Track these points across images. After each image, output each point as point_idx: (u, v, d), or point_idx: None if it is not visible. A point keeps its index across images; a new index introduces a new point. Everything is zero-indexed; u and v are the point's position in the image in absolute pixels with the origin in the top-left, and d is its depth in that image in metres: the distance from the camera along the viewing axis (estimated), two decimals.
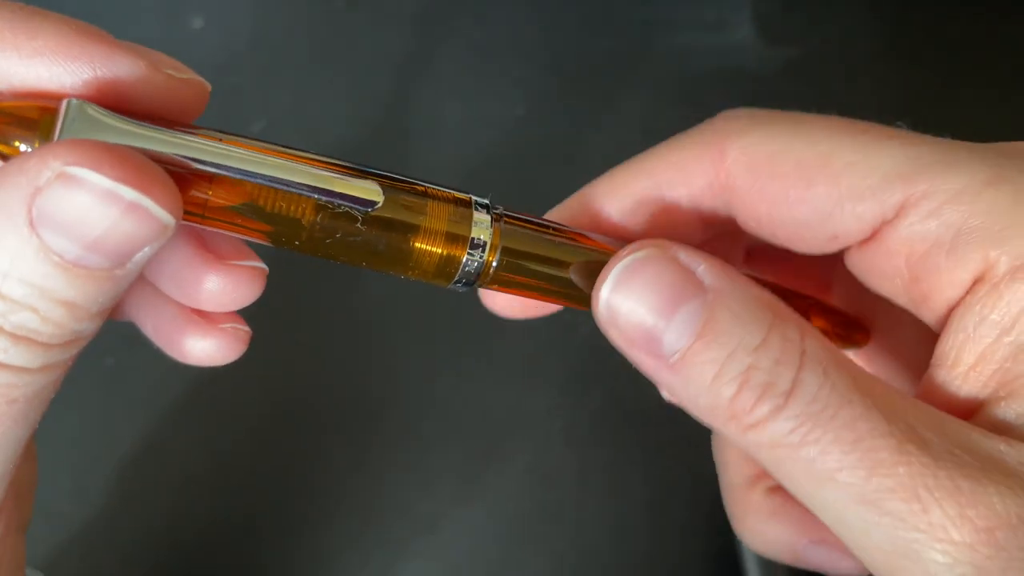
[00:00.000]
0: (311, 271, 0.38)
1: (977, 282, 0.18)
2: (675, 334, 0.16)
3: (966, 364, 0.17)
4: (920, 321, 0.21)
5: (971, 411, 0.17)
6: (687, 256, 0.17)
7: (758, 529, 0.23)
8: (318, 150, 0.17)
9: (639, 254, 0.17)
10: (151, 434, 0.39)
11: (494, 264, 0.17)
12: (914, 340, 0.23)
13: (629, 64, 0.45)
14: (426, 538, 0.37)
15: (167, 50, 0.16)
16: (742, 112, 0.20)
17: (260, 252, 0.19)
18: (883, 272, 0.19)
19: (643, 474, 0.38)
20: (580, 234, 0.19)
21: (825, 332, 0.22)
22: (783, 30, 0.45)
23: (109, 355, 0.40)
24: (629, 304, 0.17)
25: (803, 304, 0.23)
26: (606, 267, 0.18)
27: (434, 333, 0.40)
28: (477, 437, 0.39)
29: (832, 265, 0.24)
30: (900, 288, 0.19)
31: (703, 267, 0.17)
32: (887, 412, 0.15)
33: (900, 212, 0.18)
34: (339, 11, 0.47)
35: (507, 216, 0.18)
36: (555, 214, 0.22)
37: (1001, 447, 0.16)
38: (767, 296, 0.17)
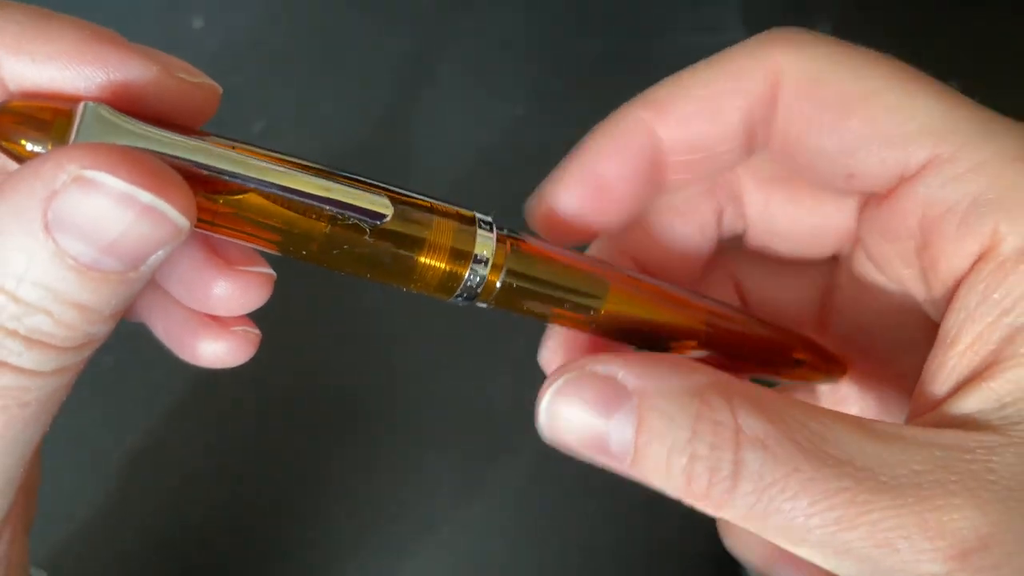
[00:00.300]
0: (310, 271, 0.38)
1: (982, 257, 0.17)
2: (617, 441, 0.17)
3: (964, 344, 0.17)
4: (917, 342, 0.20)
5: (964, 394, 0.17)
6: (605, 365, 0.17)
7: (739, 535, 0.23)
8: (319, 150, 0.17)
9: (557, 383, 0.18)
10: (151, 433, 0.39)
11: (498, 283, 0.18)
12: (913, 362, 0.22)
13: (629, 64, 0.45)
14: (426, 538, 0.37)
15: (167, 50, 0.16)
16: (801, 30, 0.20)
17: (266, 256, 0.19)
18: (896, 233, 0.19)
19: None
20: (591, 262, 0.20)
21: (807, 364, 0.23)
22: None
23: (109, 354, 0.40)
24: (567, 428, 0.17)
25: (785, 338, 0.23)
26: (540, 396, 0.18)
27: (434, 332, 0.40)
28: (477, 437, 0.39)
29: (828, 277, 0.24)
30: (911, 252, 0.19)
31: (622, 373, 0.17)
32: (836, 462, 0.15)
33: (922, 170, 0.18)
34: (339, 11, 0.47)
35: (514, 238, 0.18)
36: (614, 123, 0.22)
37: (966, 455, 0.15)
38: (693, 380, 0.17)
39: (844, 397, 0.25)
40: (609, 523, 0.37)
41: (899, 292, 0.21)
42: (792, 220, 0.23)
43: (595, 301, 0.19)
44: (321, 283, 0.36)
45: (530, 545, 0.37)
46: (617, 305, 0.19)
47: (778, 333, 0.23)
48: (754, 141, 0.20)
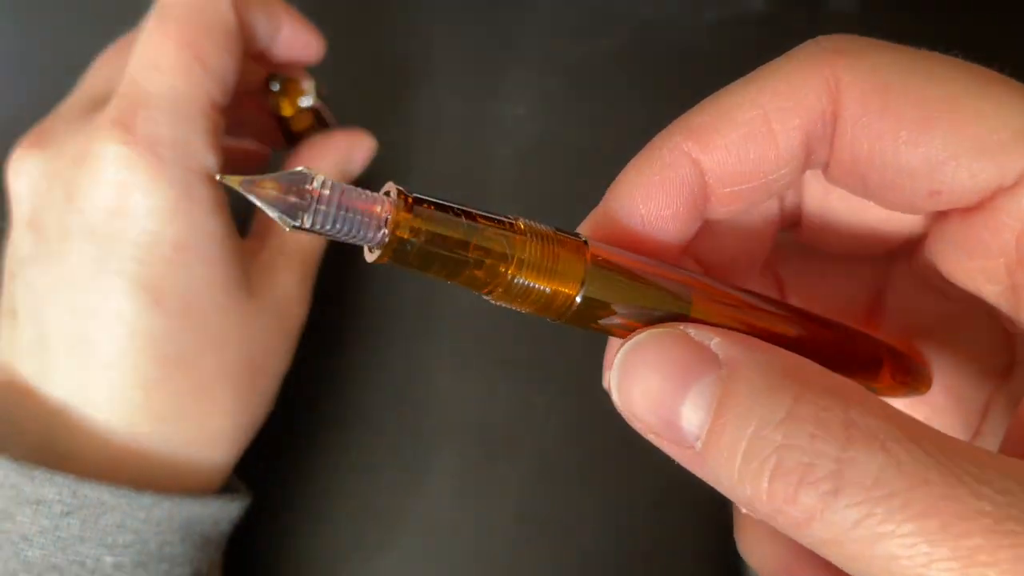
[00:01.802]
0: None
1: None
2: (690, 416, 0.14)
3: None
4: (982, 355, 0.19)
5: None
6: (699, 331, 0.15)
7: (755, 543, 0.21)
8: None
9: (641, 336, 0.16)
10: None
11: (577, 299, 0.16)
12: (972, 375, 0.21)
13: (629, 64, 0.45)
14: (426, 538, 0.37)
15: None
16: (852, 36, 0.18)
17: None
18: (985, 249, 0.17)
19: (643, 474, 0.38)
20: (672, 273, 0.18)
21: (893, 376, 0.20)
22: (786, 30, 0.45)
23: None
24: (638, 389, 0.15)
25: (872, 346, 0.21)
26: (608, 352, 0.16)
27: (434, 333, 0.40)
28: (477, 437, 0.39)
29: (881, 277, 0.22)
30: (1000, 269, 0.17)
31: (716, 340, 0.15)
32: (973, 479, 0.12)
33: (1022, 181, 0.16)
34: (339, 10, 0.47)
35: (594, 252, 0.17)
36: (650, 157, 0.19)
37: None
38: (795, 362, 0.14)
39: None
40: (609, 523, 0.37)
41: (969, 302, 0.19)
42: (851, 217, 0.21)
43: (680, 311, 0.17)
44: (320, 283, 0.36)
45: (530, 545, 0.37)
46: (701, 317, 0.17)
47: (864, 341, 0.21)
48: (812, 161, 0.18)
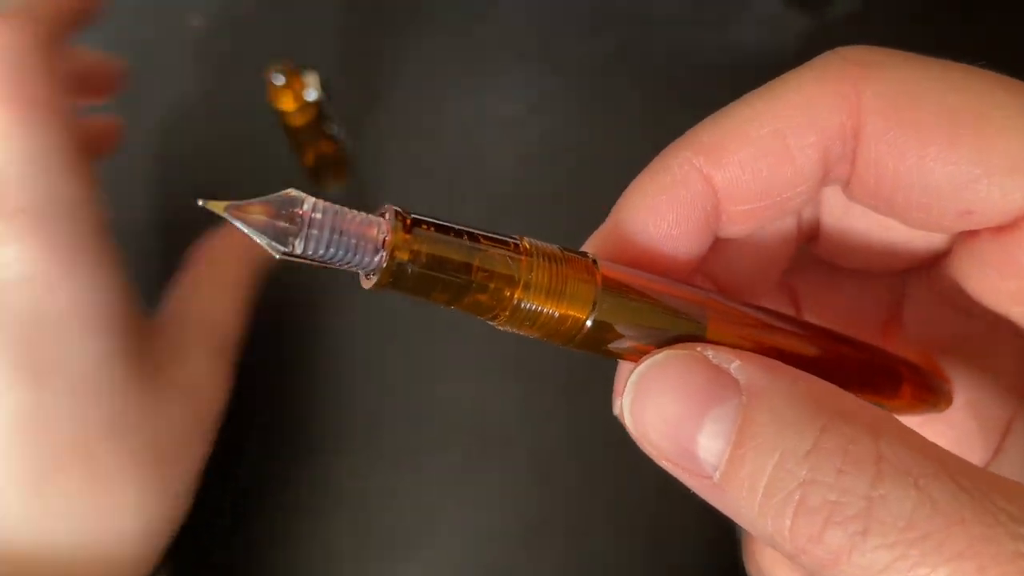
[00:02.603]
0: (309, 273, 0.38)
1: None
2: (708, 445, 0.14)
3: None
4: (1005, 374, 0.18)
5: None
6: (717, 354, 0.14)
7: (764, 568, 0.20)
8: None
9: (657, 357, 0.15)
10: None
11: (588, 322, 0.15)
12: (990, 392, 0.20)
13: (630, 63, 0.45)
14: (426, 539, 0.37)
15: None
16: (871, 47, 0.17)
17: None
18: (1018, 269, 0.16)
19: (643, 474, 0.38)
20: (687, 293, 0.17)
21: (911, 392, 0.19)
22: (785, 28, 0.45)
23: None
24: (652, 414, 0.15)
25: (893, 363, 0.20)
26: (618, 378, 0.16)
27: (434, 333, 0.40)
28: (477, 437, 0.39)
29: (900, 290, 0.22)
30: None
31: (737, 364, 0.14)
32: (1009, 518, 0.12)
33: None
34: (338, 10, 0.47)
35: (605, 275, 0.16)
36: (660, 172, 0.18)
37: None
38: (821, 388, 0.13)
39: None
40: (609, 523, 0.37)
41: (993, 320, 0.18)
42: (872, 233, 0.20)
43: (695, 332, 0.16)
44: (319, 283, 0.36)
45: (530, 546, 0.37)
46: (717, 338, 0.16)
47: (883, 357, 0.20)
48: (830, 178, 0.17)
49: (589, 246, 0.18)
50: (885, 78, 0.16)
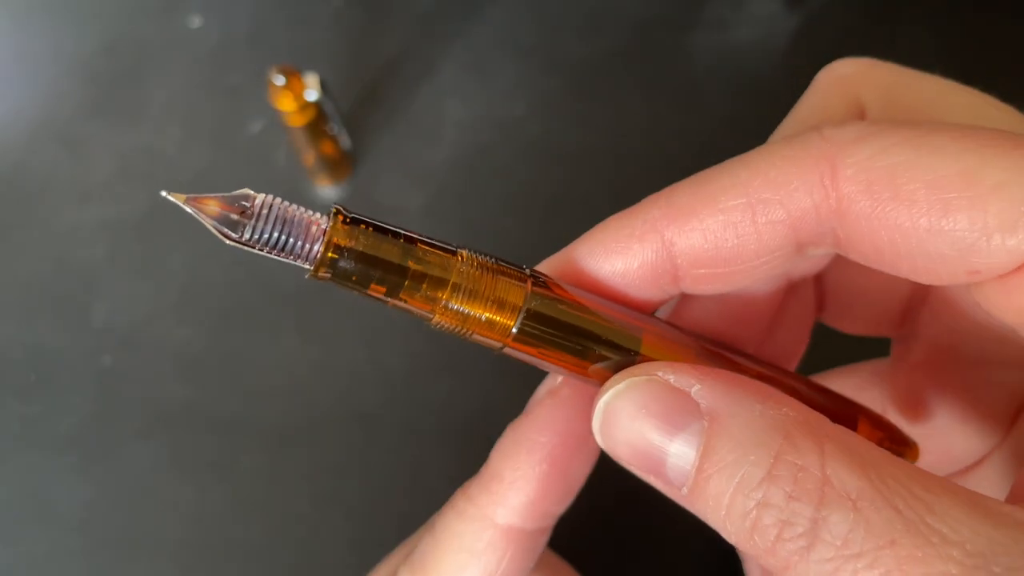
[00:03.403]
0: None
1: None
2: (675, 466, 0.15)
3: None
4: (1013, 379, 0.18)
5: None
6: (678, 377, 0.15)
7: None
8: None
9: (619, 386, 0.16)
10: (148, 433, 0.38)
11: (514, 329, 0.16)
12: (999, 396, 0.20)
13: (629, 64, 0.45)
14: None
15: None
16: (854, 121, 0.17)
17: None
18: (1020, 309, 0.16)
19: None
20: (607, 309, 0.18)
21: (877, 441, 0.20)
22: (785, 29, 0.45)
23: (107, 355, 0.39)
24: (622, 441, 0.16)
25: (849, 411, 0.20)
26: (598, 396, 0.16)
27: (433, 334, 0.40)
28: (477, 438, 0.39)
29: (922, 291, 0.22)
30: None
31: (697, 388, 0.15)
32: (942, 540, 0.13)
33: None
34: (338, 10, 0.47)
35: (542, 286, 0.17)
36: (623, 223, 0.18)
37: None
38: (780, 414, 0.14)
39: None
40: (609, 523, 0.37)
41: (1006, 331, 0.18)
42: (908, 272, 0.19)
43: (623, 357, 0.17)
44: (318, 284, 0.36)
45: None
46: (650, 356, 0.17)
47: (840, 405, 0.20)
48: (806, 248, 0.17)
49: (545, 266, 0.19)
50: (863, 153, 0.16)
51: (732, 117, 0.42)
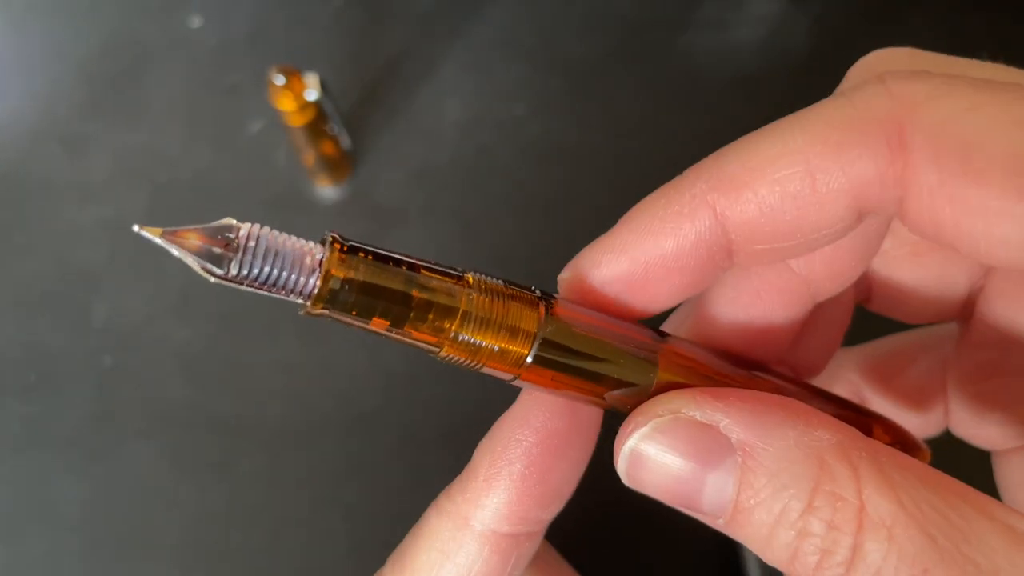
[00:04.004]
0: None
1: None
2: (711, 502, 0.14)
3: None
4: None
5: None
6: (704, 412, 0.14)
7: None
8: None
9: (644, 429, 0.15)
10: (148, 433, 0.38)
11: (528, 359, 0.15)
12: None
13: (629, 64, 0.45)
14: None
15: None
16: (920, 72, 0.15)
17: None
18: None
19: None
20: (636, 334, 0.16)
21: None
22: (785, 29, 0.45)
23: (107, 355, 0.39)
24: (651, 483, 0.15)
25: (861, 419, 0.20)
26: (620, 439, 0.15)
27: None
28: (476, 441, 0.39)
29: (981, 276, 0.21)
30: None
31: (726, 422, 0.14)
32: (976, 571, 0.13)
33: None
34: (338, 10, 0.47)
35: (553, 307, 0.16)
36: (670, 199, 0.16)
37: None
38: (813, 439, 0.14)
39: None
40: (609, 524, 0.37)
41: None
42: (968, 251, 0.18)
43: (639, 380, 0.16)
44: None
45: None
46: (668, 381, 0.16)
47: (852, 414, 0.19)
48: (868, 216, 0.16)
49: (582, 258, 0.17)
50: (933, 118, 0.14)
51: (732, 117, 0.42)
